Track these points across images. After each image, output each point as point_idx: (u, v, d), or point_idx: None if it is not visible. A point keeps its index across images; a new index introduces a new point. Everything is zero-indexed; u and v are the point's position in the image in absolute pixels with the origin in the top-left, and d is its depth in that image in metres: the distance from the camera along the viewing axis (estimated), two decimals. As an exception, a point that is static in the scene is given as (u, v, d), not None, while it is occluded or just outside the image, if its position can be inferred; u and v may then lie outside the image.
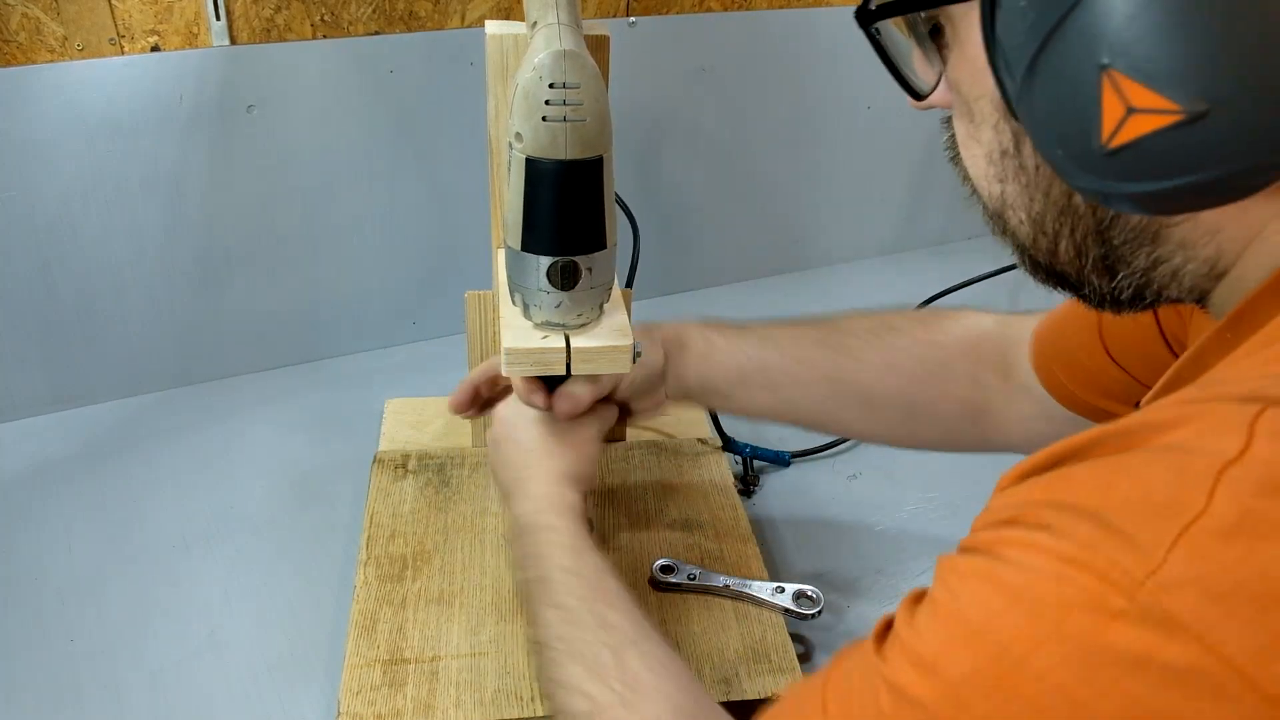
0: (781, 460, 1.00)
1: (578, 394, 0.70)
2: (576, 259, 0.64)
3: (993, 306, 0.78)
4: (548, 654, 0.59)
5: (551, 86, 0.58)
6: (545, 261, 0.63)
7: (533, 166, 0.61)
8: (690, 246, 1.29)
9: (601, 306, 0.68)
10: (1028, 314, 0.73)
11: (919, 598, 0.42)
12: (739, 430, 0.99)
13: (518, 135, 0.61)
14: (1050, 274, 0.47)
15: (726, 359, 0.76)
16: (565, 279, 0.64)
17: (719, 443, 0.97)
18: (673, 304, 1.28)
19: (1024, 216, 0.45)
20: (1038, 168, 0.43)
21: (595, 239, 0.64)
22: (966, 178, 0.48)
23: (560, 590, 0.61)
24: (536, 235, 0.63)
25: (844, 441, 1.03)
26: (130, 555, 0.86)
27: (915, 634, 0.40)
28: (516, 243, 0.64)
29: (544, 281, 0.64)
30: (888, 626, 0.43)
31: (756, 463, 0.99)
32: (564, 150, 0.60)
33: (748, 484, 0.97)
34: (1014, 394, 0.72)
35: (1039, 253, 0.46)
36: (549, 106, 0.59)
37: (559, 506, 0.66)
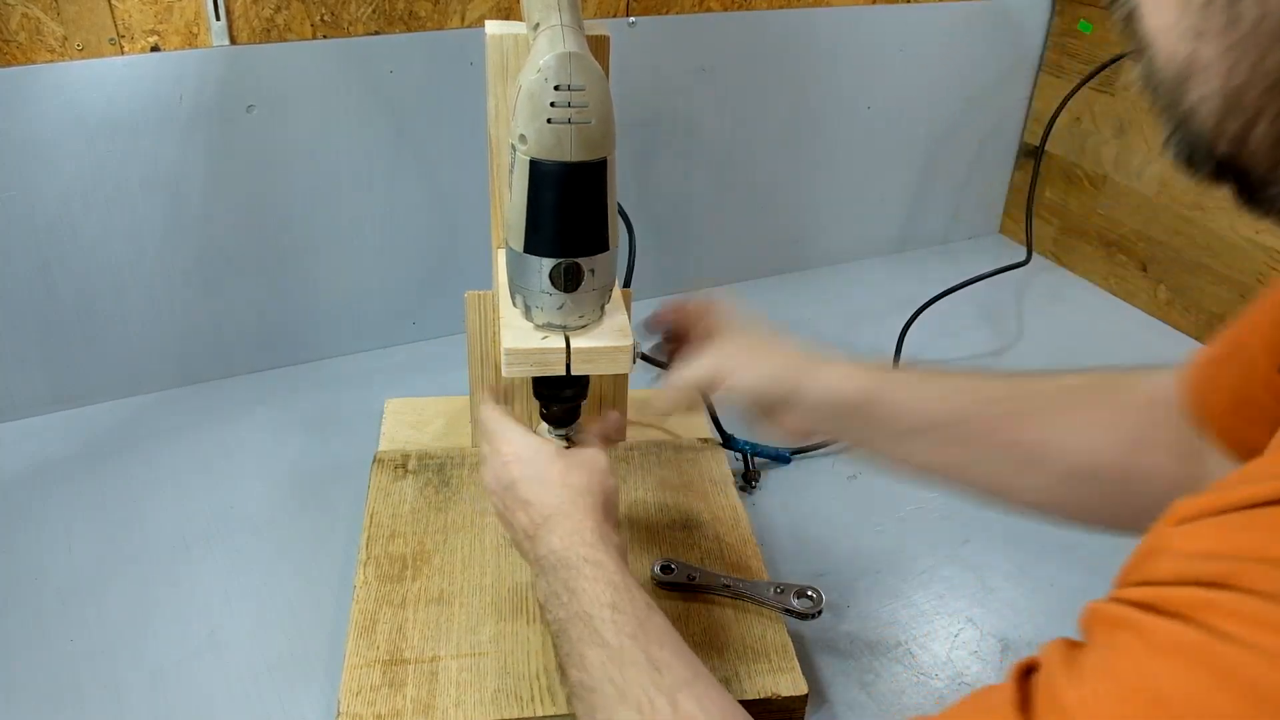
0: (782, 458, 1.00)
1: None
2: (579, 260, 0.64)
3: (999, 308, 0.76)
4: (594, 698, 0.54)
5: (556, 89, 0.58)
6: (548, 263, 0.63)
7: (537, 168, 0.61)
8: (690, 246, 1.29)
9: (602, 307, 0.68)
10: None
11: (1071, 652, 0.34)
12: (738, 427, 0.99)
13: (521, 137, 0.61)
14: (1221, 166, 0.36)
15: (900, 408, 0.65)
16: (568, 280, 0.64)
17: (719, 441, 0.98)
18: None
19: (1217, 87, 0.34)
20: (1261, 20, 0.32)
21: (598, 240, 0.64)
22: (1133, 31, 0.37)
23: (606, 628, 0.56)
24: (540, 237, 0.63)
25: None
26: (130, 555, 0.86)
27: (1083, 701, 0.32)
28: (519, 244, 0.64)
29: (546, 283, 0.64)
30: (1024, 675, 0.35)
31: (757, 459, 0.99)
32: (569, 152, 0.60)
33: (749, 480, 0.97)
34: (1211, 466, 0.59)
35: (1220, 138, 0.35)
36: (554, 109, 0.59)
37: (605, 542, 0.61)
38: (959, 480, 0.67)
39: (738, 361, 0.67)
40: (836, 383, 0.66)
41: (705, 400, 0.70)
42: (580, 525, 0.61)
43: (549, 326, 0.67)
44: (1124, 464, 0.61)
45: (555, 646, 0.60)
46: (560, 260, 0.63)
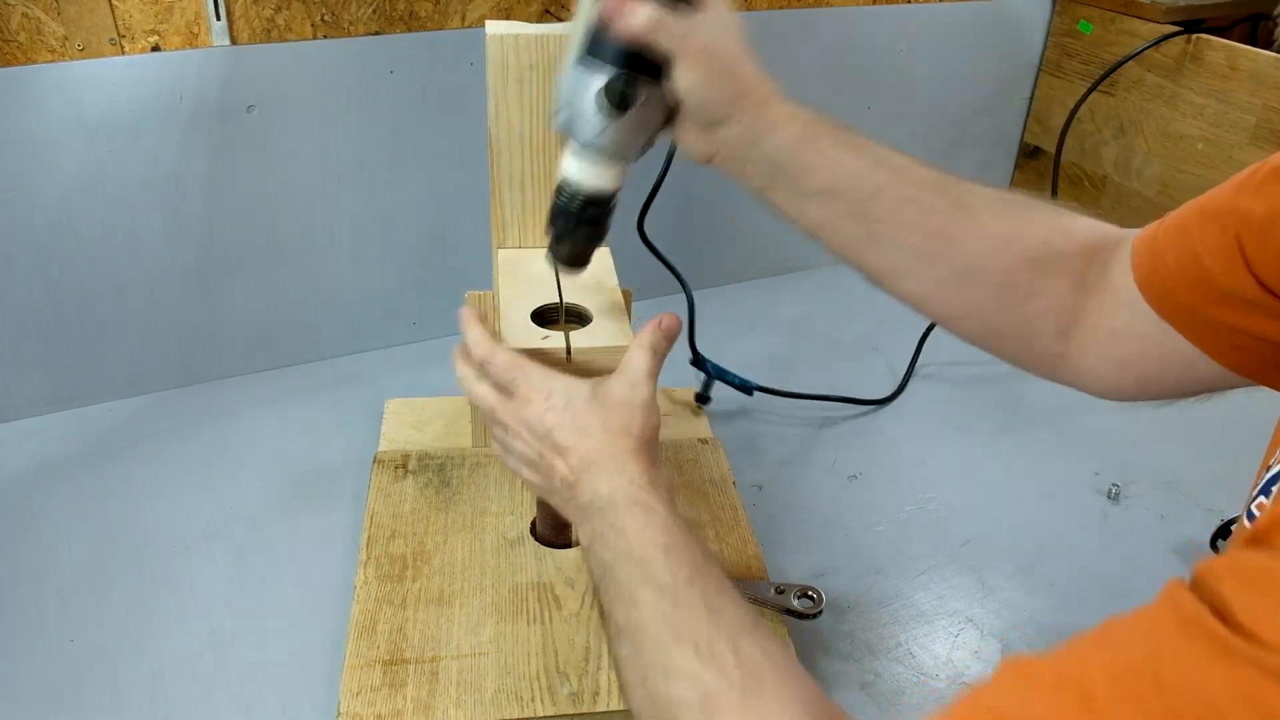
0: (745, 388, 1.04)
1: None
2: (638, 79, 0.62)
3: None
4: (643, 637, 0.52)
5: None
6: (602, 78, 0.62)
7: None
8: (690, 247, 1.28)
9: (642, 150, 0.66)
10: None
11: (1252, 550, 0.33)
12: (711, 349, 1.05)
13: None
14: None
15: (826, 168, 0.64)
16: (620, 98, 0.62)
17: (720, 444, 0.98)
18: (672, 304, 1.27)
19: None
20: None
21: (652, 63, 0.62)
22: None
23: (660, 570, 0.54)
24: (601, 40, 0.61)
25: (811, 398, 1.07)
26: (130, 555, 0.86)
27: None
28: (579, 53, 0.62)
29: (595, 102, 0.62)
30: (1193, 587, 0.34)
31: (715, 383, 1.04)
32: None
33: (701, 400, 1.02)
34: (1107, 300, 0.61)
35: None
36: None
37: (654, 485, 0.59)
38: (849, 255, 0.67)
39: (706, 62, 0.62)
40: (765, 132, 0.65)
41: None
42: (625, 468, 0.60)
43: (591, 155, 0.64)
44: (1015, 275, 0.62)
45: (598, 591, 0.58)
46: (617, 72, 0.62)
